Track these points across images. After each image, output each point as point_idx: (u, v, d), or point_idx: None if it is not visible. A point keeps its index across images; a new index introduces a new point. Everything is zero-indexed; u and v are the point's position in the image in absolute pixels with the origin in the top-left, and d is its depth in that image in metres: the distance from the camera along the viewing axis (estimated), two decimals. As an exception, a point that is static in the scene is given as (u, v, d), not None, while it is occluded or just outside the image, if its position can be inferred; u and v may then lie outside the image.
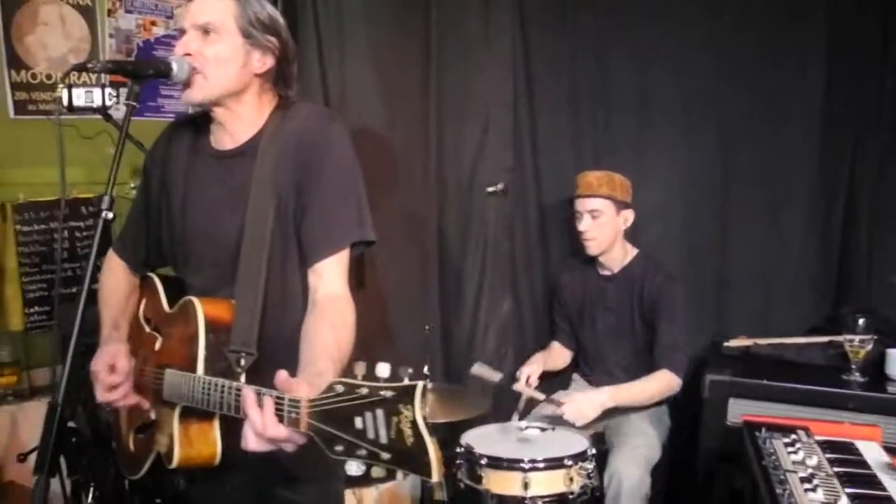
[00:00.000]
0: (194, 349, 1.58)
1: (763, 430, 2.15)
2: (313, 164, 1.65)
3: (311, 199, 1.65)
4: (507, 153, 3.40)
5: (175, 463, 1.59)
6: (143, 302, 1.90)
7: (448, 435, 2.68)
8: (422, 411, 1.08)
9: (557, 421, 2.68)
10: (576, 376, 3.17)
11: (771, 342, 2.85)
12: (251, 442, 1.30)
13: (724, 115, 3.20)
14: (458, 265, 3.43)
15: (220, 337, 1.60)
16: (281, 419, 1.26)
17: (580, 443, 2.51)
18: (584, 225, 2.90)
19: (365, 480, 2.81)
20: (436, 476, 1.06)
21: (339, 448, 1.14)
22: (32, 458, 1.85)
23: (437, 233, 3.38)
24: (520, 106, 3.40)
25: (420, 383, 1.09)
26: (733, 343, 2.91)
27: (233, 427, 1.55)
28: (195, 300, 1.63)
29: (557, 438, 2.58)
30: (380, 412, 1.10)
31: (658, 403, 2.86)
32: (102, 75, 3.24)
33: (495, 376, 2.82)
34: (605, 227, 2.90)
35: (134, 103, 1.57)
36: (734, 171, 3.21)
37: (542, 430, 2.63)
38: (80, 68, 1.64)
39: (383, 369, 1.13)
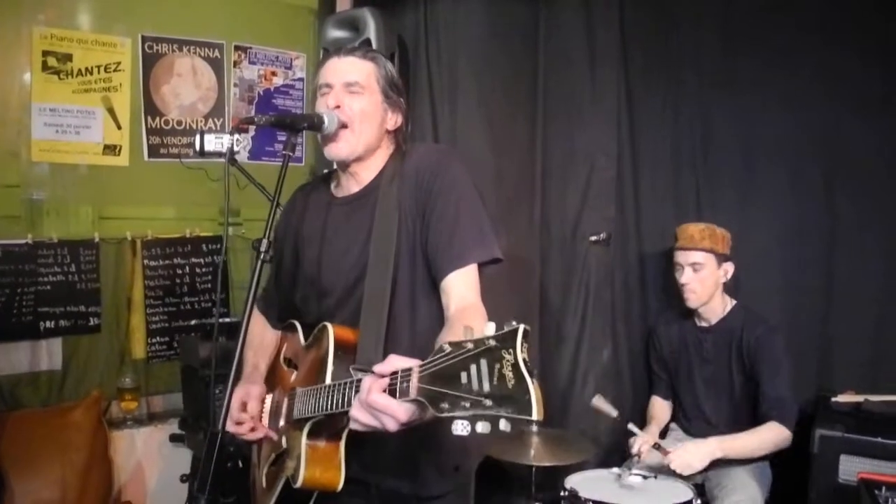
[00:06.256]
0: (324, 366, 1.67)
1: (884, 488, 2.12)
2: (433, 188, 1.73)
3: (433, 220, 1.72)
4: (610, 203, 3.45)
5: (300, 482, 1.63)
6: (285, 346, 2.03)
7: (544, 479, 2.70)
8: (522, 353, 1.08)
9: (657, 469, 2.68)
10: (673, 425, 3.15)
11: (885, 399, 2.77)
12: (355, 409, 1.36)
13: (830, 167, 3.13)
14: (560, 312, 3.47)
15: (348, 356, 1.67)
16: (393, 393, 1.29)
17: (685, 492, 2.51)
18: (686, 277, 2.92)
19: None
20: (536, 414, 1.04)
21: (445, 405, 1.15)
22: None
23: (540, 279, 3.45)
24: (623, 157, 3.45)
25: (521, 326, 1.09)
26: (842, 398, 2.83)
27: (357, 453, 1.63)
28: (329, 325, 1.72)
29: (660, 487, 2.58)
30: (483, 362, 1.10)
31: (761, 458, 2.81)
32: (229, 123, 3.53)
33: (613, 412, 2.79)
34: (706, 280, 2.90)
35: (290, 153, 1.70)
36: (840, 221, 3.13)
37: (644, 477, 2.64)
38: (248, 121, 1.78)
39: (489, 328, 1.13)
